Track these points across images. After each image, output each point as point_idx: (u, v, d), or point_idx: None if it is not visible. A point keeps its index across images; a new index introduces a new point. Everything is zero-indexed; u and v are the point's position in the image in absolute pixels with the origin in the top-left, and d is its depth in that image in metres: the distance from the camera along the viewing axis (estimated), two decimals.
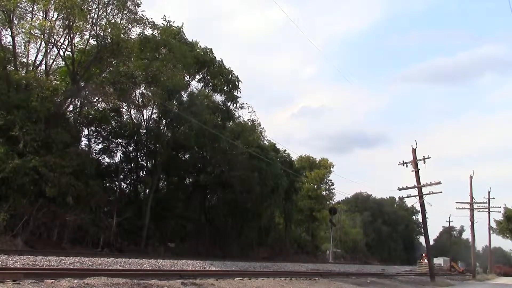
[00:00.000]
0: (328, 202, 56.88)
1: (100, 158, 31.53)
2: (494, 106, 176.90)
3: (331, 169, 57.92)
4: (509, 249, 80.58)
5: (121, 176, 31.48)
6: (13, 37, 23.76)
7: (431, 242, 40.11)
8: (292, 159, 47.52)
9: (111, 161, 32.16)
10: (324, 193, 56.98)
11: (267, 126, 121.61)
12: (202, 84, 35.52)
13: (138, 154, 33.59)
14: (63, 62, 26.68)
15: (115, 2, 25.11)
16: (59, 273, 10.30)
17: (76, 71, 25.63)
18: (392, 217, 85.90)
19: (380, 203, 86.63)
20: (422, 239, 78.89)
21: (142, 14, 26.55)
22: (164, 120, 32.40)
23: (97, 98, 28.08)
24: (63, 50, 25.73)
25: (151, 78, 28.25)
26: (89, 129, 31.04)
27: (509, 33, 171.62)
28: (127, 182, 33.75)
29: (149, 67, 27.96)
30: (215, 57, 34.53)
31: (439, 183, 27.58)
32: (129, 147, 33.15)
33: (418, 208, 32.07)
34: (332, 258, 49.78)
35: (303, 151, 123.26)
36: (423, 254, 67.86)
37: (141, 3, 26.11)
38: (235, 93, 35.73)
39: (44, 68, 25.58)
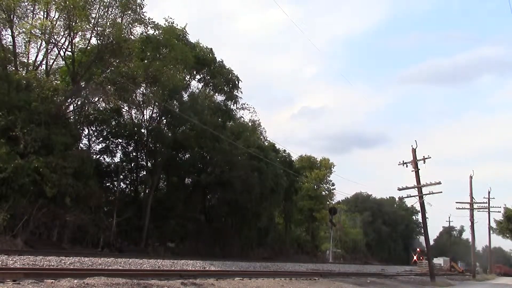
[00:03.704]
0: (328, 202, 56.86)
1: (100, 158, 31.55)
2: (494, 106, 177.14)
3: (332, 169, 57.96)
4: (509, 249, 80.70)
5: (121, 176, 31.49)
6: (13, 37, 23.79)
7: (431, 242, 40.12)
8: (292, 159, 47.56)
9: (111, 161, 32.23)
10: (324, 193, 56.98)
11: (268, 126, 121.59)
12: (202, 84, 35.52)
13: (138, 154, 33.62)
14: (64, 62, 26.70)
15: (117, 3, 25.13)
16: (59, 273, 10.31)
17: (76, 71, 25.66)
18: (392, 217, 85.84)
19: (380, 203, 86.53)
20: (422, 239, 78.80)
21: (143, 15, 26.63)
22: (165, 120, 32.42)
23: (97, 98, 28.11)
24: (64, 50, 25.80)
25: (151, 78, 28.29)
26: (90, 129, 31.07)
27: (508, 34, 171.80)
28: (127, 182, 33.78)
29: (149, 67, 27.97)
30: (215, 57, 34.57)
31: (439, 183, 27.59)
32: (129, 147, 33.17)
33: (418, 208, 32.05)
34: (332, 258, 49.76)
35: (303, 151, 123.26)
36: (418, 249, 67.94)
37: (144, 5, 26.20)
38: (235, 93, 35.73)
39: (44, 68, 25.60)
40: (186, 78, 33.32)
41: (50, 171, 21.24)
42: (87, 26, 24.60)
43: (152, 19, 27.84)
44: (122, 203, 29.72)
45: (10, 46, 24.16)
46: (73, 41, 25.39)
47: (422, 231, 36.12)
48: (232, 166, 32.66)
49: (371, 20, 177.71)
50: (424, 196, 28.22)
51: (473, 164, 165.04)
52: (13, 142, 21.07)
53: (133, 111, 32.41)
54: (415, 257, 65.62)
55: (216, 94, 36.15)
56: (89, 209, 24.82)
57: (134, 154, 33.38)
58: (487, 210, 48.89)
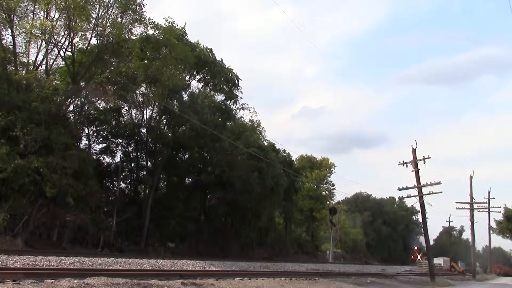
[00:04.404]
0: (328, 202, 56.85)
1: (100, 158, 31.55)
2: (493, 106, 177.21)
3: (332, 169, 57.94)
4: (509, 249, 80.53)
5: (121, 176, 31.50)
6: (13, 37, 23.81)
7: (431, 242, 40.12)
8: (292, 159, 47.55)
9: (111, 161, 32.26)
10: (324, 193, 56.96)
11: (268, 126, 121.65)
12: (202, 83, 35.51)
13: (138, 154, 33.63)
14: (64, 62, 26.71)
15: (117, 3, 25.12)
16: (59, 273, 10.31)
17: (76, 71, 25.66)
18: (392, 217, 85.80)
19: (380, 203, 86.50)
20: (422, 239, 78.80)
21: (143, 15, 26.62)
22: (165, 120, 32.42)
23: (97, 98, 28.11)
24: (64, 50, 25.80)
25: (151, 78, 28.28)
26: (90, 129, 31.07)
27: (508, 34, 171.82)
28: (127, 182, 33.79)
29: (149, 67, 27.97)
30: (215, 57, 34.53)
31: (439, 183, 27.56)
32: (129, 147, 33.20)
33: (418, 208, 32.02)
34: (332, 258, 49.76)
35: (303, 151, 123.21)
36: (415, 247, 67.71)
37: (144, 4, 26.20)
38: (236, 93, 35.72)
39: (44, 68, 25.61)
40: (186, 78, 33.32)
41: (50, 171, 21.23)
42: (87, 26, 24.62)
43: (152, 19, 27.87)
44: (122, 203, 29.72)
45: (10, 46, 24.17)
46: (73, 41, 25.44)
47: (422, 231, 36.10)
48: (232, 166, 32.65)
49: (371, 20, 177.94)
50: (424, 196, 28.20)
51: (473, 164, 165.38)
52: (13, 142, 21.08)
53: (133, 111, 32.48)
54: (412, 256, 65.43)
55: (216, 94, 36.15)
56: (89, 209, 24.81)
57: (134, 154, 33.39)
58: (487, 210, 48.87)
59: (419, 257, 61.23)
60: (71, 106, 27.87)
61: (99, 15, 24.99)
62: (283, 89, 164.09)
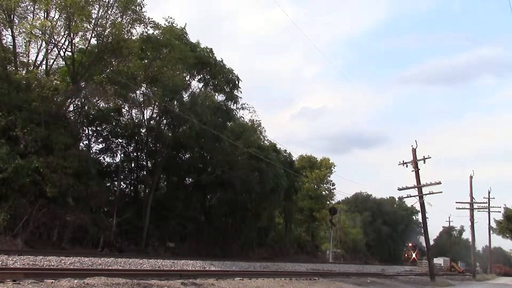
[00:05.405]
0: (328, 202, 56.84)
1: (100, 158, 31.54)
2: (493, 106, 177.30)
3: (332, 169, 57.92)
4: (509, 249, 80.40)
5: (121, 176, 31.49)
6: (13, 37, 23.78)
7: (431, 242, 40.12)
8: (293, 159, 47.52)
9: (112, 161, 32.23)
10: (324, 193, 56.95)
11: (268, 126, 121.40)
12: (202, 84, 35.47)
13: (139, 154, 33.62)
14: (64, 62, 26.70)
15: (117, 3, 25.12)
16: (59, 273, 10.32)
17: (76, 71, 25.65)
18: (392, 217, 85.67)
19: (380, 203, 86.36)
20: (422, 239, 78.73)
21: (143, 15, 26.61)
22: (165, 120, 32.40)
23: (97, 98, 28.10)
24: (64, 50, 25.78)
25: (151, 78, 28.27)
26: (90, 129, 31.04)
27: (508, 34, 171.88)
28: (127, 182, 33.78)
29: (149, 67, 27.95)
30: (215, 57, 34.50)
31: (439, 183, 27.61)
32: (129, 147, 33.16)
33: (418, 208, 32.08)
34: (332, 258, 49.76)
35: (304, 151, 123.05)
36: (410, 244, 67.45)
37: (144, 4, 26.18)
38: (236, 93, 35.68)
39: (44, 68, 25.59)
40: (186, 78, 33.29)
41: (51, 171, 21.23)
42: (87, 26, 24.61)
43: (152, 19, 27.84)
44: (122, 203, 29.72)
45: (10, 46, 24.15)
46: (73, 41, 25.38)
47: (422, 231, 36.10)
48: (232, 166, 32.64)
49: (371, 20, 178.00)
50: (424, 196, 28.23)
51: (473, 164, 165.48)
52: (13, 142, 21.07)
53: (133, 111, 32.45)
54: (406, 254, 65.30)
55: (216, 94, 36.12)
56: (89, 209, 24.81)
57: (134, 154, 33.38)
58: (487, 210, 48.90)
59: (414, 255, 60.96)
60: (71, 106, 27.87)
61: (99, 15, 24.96)
62: (283, 89, 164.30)
